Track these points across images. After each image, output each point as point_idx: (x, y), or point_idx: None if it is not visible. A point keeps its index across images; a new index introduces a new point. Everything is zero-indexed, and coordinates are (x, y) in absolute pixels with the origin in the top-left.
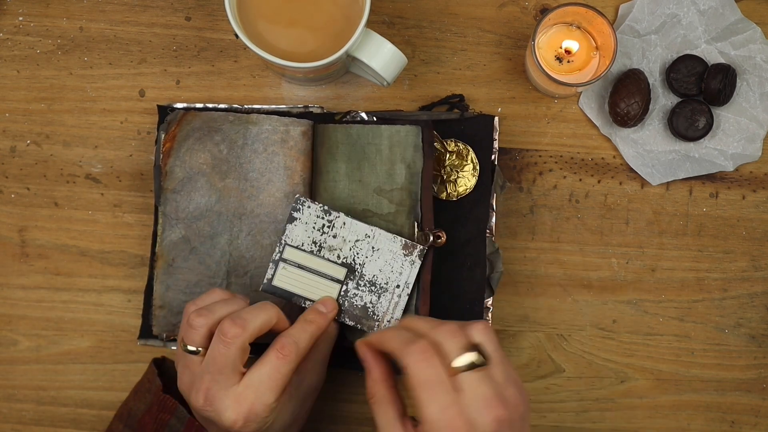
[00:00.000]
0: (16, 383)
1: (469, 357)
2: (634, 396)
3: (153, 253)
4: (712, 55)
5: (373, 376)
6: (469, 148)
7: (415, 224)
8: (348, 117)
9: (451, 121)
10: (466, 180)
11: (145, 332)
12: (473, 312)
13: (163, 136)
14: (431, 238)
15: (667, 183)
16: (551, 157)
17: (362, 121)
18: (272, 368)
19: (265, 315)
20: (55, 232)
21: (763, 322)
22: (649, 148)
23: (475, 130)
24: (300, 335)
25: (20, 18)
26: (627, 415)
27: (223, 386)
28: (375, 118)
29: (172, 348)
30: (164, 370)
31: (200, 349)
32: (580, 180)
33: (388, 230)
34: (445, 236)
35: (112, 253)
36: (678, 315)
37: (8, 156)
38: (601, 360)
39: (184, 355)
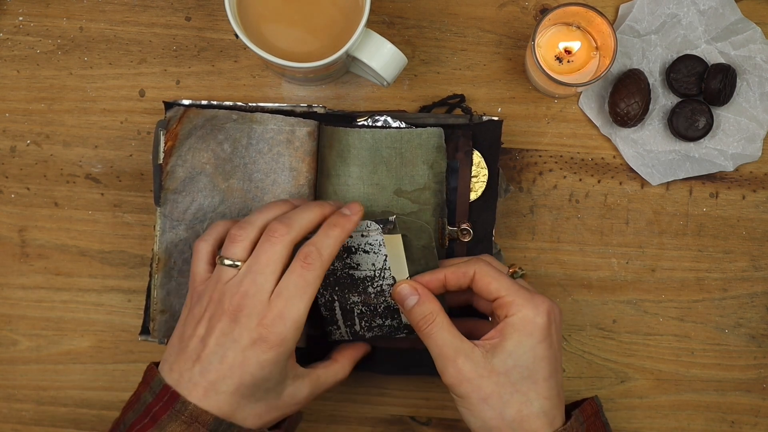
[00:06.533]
0: (16, 383)
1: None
2: (634, 396)
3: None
4: (712, 55)
5: (426, 298)
6: (479, 154)
7: (443, 221)
8: (369, 120)
9: (460, 126)
10: (477, 185)
11: (147, 329)
12: (478, 312)
13: (161, 133)
14: (458, 234)
15: (667, 183)
16: (551, 157)
17: (379, 126)
18: (297, 276)
19: (310, 214)
20: (55, 232)
21: (763, 322)
22: (649, 148)
23: (483, 135)
24: (323, 241)
25: (20, 18)
26: (627, 415)
27: (260, 289)
28: (402, 124)
29: None
30: None
31: (239, 263)
32: (580, 180)
33: (413, 227)
34: (471, 231)
35: (112, 253)
36: (678, 315)
37: (8, 156)
38: (601, 360)
39: (220, 269)
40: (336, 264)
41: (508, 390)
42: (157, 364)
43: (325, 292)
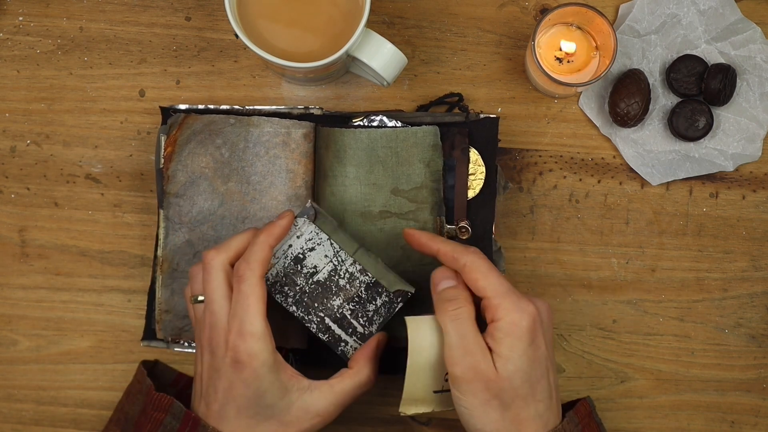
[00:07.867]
0: (16, 383)
1: None
2: (634, 396)
3: (156, 256)
4: (712, 55)
5: (463, 287)
6: (476, 152)
7: (441, 219)
8: (365, 120)
9: (456, 124)
10: (475, 183)
11: (148, 334)
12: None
13: (163, 138)
14: (457, 232)
15: (667, 183)
16: (551, 157)
17: (375, 126)
18: (237, 293)
19: (241, 235)
20: (55, 232)
21: (763, 322)
22: (649, 148)
23: (480, 132)
24: (249, 250)
25: (20, 18)
26: (627, 415)
27: (218, 317)
28: (398, 124)
29: (176, 349)
30: (156, 373)
31: (202, 296)
32: (580, 180)
33: (410, 227)
34: (470, 230)
35: (112, 253)
36: (678, 315)
37: (8, 156)
38: (601, 360)
39: (194, 308)
40: (299, 281)
41: (510, 395)
42: (156, 388)
43: (311, 317)
